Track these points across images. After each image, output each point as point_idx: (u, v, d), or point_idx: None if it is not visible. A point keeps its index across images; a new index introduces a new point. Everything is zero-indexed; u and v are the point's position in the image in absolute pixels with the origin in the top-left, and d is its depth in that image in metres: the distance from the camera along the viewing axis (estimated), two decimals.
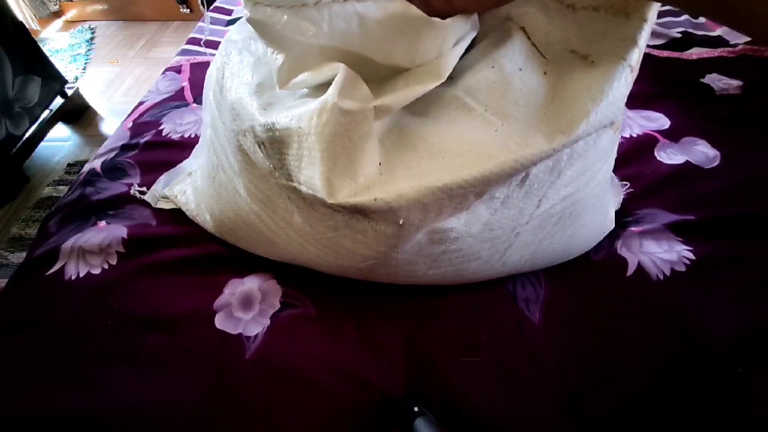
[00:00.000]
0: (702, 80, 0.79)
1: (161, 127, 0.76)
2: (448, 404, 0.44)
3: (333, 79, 0.39)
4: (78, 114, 1.70)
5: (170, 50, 2.00)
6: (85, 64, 2.04)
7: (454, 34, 0.41)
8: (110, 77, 1.94)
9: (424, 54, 0.40)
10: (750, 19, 0.25)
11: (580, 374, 0.46)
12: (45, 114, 1.50)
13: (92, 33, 2.24)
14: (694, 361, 0.45)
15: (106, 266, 0.56)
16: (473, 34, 0.43)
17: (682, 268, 0.52)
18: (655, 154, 0.66)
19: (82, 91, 1.72)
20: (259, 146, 0.43)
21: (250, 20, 0.39)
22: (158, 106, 0.81)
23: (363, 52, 0.40)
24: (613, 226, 0.55)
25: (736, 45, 0.87)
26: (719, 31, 0.92)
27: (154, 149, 0.73)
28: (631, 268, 0.53)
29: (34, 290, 0.55)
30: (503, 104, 0.41)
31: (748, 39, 0.88)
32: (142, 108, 0.82)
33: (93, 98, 1.79)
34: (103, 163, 0.71)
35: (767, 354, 0.45)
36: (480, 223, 0.42)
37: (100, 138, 1.59)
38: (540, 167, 0.40)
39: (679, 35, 0.91)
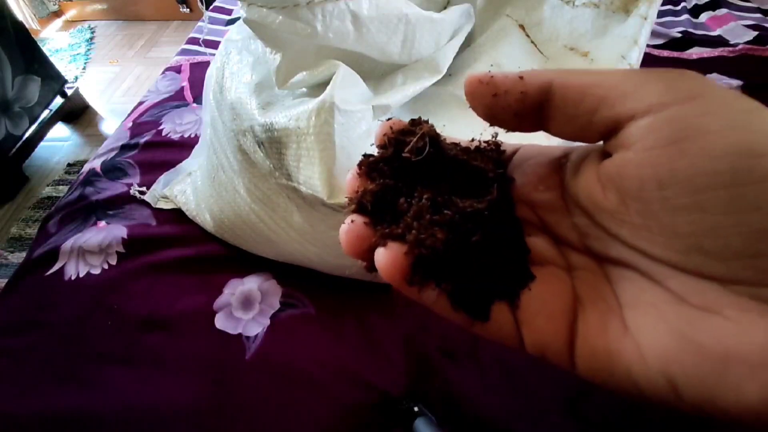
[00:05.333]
0: None
1: (161, 127, 0.76)
2: (448, 404, 0.44)
3: (331, 78, 0.39)
4: (78, 114, 1.70)
5: (170, 50, 2.00)
6: (85, 63, 2.03)
7: (450, 28, 0.41)
8: (110, 77, 1.94)
9: (421, 49, 0.40)
10: None
11: None
12: (45, 114, 1.50)
13: (92, 33, 2.24)
14: None
15: (105, 266, 0.56)
16: (469, 27, 0.43)
17: None
18: None
19: (81, 91, 1.72)
20: (259, 146, 0.43)
21: (246, 21, 0.39)
22: (158, 106, 0.81)
23: (359, 50, 0.40)
24: None
25: (736, 45, 0.86)
26: (719, 30, 0.92)
27: (154, 149, 0.73)
28: None
29: (34, 290, 0.55)
30: None
31: (748, 39, 0.88)
32: (141, 108, 0.82)
33: (93, 98, 1.79)
34: (102, 163, 0.71)
35: None
36: None
37: (100, 138, 1.59)
38: None
39: (679, 35, 0.90)
